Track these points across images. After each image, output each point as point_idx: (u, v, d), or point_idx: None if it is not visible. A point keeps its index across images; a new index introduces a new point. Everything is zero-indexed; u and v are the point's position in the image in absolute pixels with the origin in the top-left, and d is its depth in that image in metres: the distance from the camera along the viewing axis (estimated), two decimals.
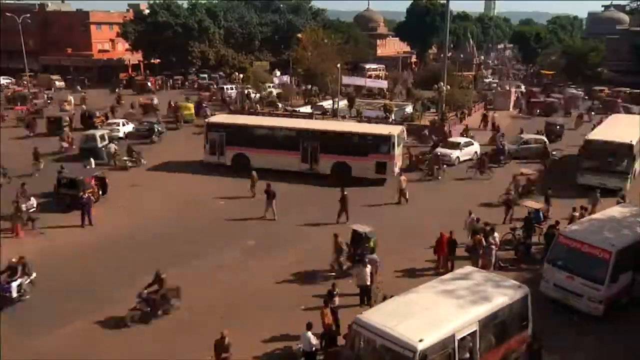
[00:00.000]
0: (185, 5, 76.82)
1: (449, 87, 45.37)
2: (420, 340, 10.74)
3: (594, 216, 19.15)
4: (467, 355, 11.82)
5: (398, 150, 29.40)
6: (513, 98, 57.49)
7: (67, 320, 15.27)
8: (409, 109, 47.69)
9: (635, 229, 16.80)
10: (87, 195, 23.26)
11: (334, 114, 46.75)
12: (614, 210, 19.07)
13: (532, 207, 21.63)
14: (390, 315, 11.68)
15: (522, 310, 13.31)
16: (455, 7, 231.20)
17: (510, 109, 55.20)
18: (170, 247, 20.41)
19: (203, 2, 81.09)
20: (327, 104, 49.80)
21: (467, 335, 11.75)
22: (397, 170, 29.10)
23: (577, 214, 20.93)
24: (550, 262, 16.60)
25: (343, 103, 48.42)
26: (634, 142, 27.48)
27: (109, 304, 15.97)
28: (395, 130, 30.04)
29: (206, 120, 33.62)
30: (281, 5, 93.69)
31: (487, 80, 74.90)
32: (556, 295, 16.35)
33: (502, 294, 12.98)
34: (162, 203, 25.68)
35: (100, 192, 25.53)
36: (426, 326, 11.31)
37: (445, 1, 53.77)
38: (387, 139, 28.55)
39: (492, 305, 12.50)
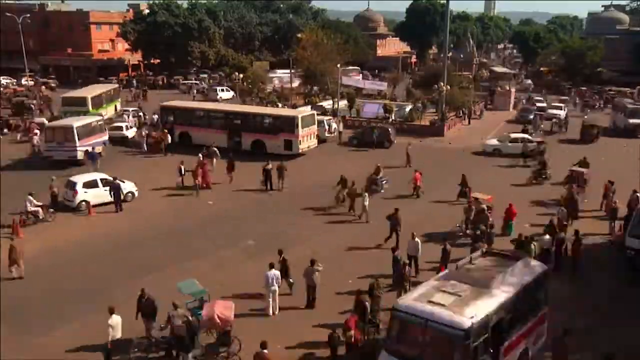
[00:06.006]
0: (185, 5, 76.80)
1: (449, 87, 45.37)
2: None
3: None
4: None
5: (304, 131, 33.55)
6: (513, 98, 57.42)
7: (66, 321, 15.28)
8: (409, 108, 47.72)
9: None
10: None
11: (334, 113, 46.78)
12: None
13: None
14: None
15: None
16: (455, 7, 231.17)
17: (510, 109, 55.12)
18: (170, 246, 20.40)
19: (203, 2, 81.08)
20: (327, 103, 49.83)
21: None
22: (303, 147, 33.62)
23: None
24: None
25: (343, 103, 48.48)
26: None
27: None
28: (301, 113, 35.47)
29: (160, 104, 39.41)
30: (281, 5, 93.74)
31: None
32: None
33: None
34: (159, 201, 25.73)
35: None
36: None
37: (445, 1, 53.76)
38: (292, 120, 33.10)
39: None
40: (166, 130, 35.64)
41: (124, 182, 25.47)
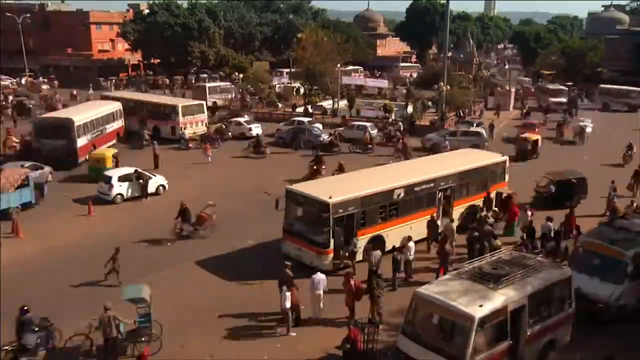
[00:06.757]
0: (185, 5, 76.78)
1: (449, 87, 45.34)
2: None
3: None
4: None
5: (185, 118, 38.11)
6: (513, 98, 57.30)
7: (65, 321, 15.26)
8: (409, 108, 47.73)
9: None
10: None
11: (334, 113, 46.81)
12: None
13: None
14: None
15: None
16: (455, 7, 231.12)
17: (511, 109, 55.03)
18: (170, 246, 20.39)
19: (203, 2, 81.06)
20: (327, 103, 49.85)
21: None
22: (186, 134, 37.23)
23: None
24: None
25: (343, 103, 48.49)
26: None
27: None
28: (183, 102, 40.53)
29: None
30: (281, 5, 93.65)
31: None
32: None
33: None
34: (159, 200, 25.71)
35: None
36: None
37: (445, 1, 53.75)
38: (173, 108, 38.15)
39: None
40: None
41: (155, 175, 26.69)
